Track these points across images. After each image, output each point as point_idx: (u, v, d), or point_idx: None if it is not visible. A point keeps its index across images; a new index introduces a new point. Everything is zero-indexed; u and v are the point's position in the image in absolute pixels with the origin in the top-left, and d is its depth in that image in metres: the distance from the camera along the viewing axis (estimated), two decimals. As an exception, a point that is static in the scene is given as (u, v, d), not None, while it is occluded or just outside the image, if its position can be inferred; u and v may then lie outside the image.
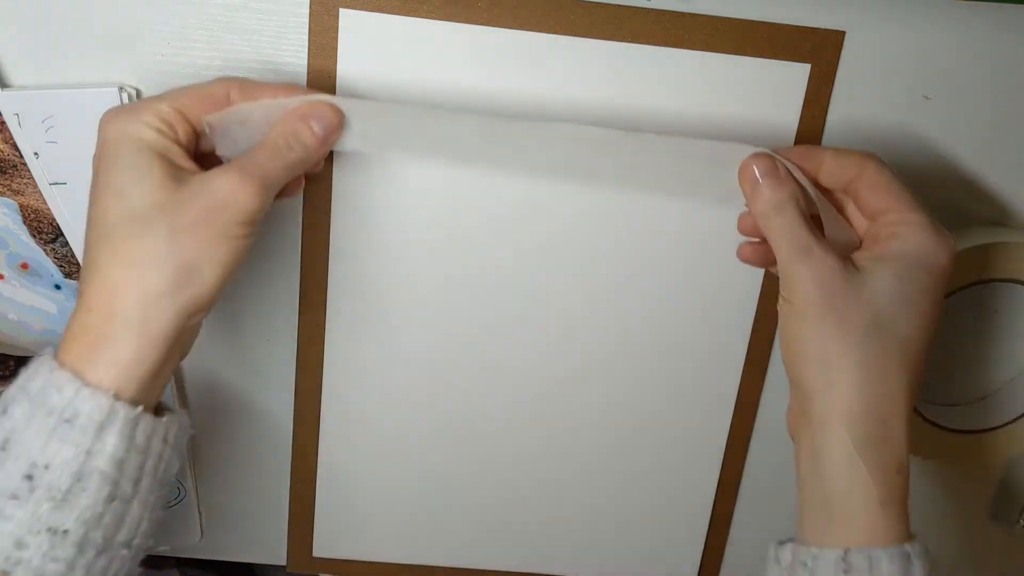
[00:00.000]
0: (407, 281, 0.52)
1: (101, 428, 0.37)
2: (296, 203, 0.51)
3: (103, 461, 0.37)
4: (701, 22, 0.47)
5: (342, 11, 0.47)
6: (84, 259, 0.40)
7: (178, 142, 0.41)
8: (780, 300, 0.43)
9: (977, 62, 0.49)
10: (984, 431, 0.57)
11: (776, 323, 0.52)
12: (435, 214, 0.51)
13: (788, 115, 0.49)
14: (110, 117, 0.41)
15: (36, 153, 0.48)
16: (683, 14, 0.47)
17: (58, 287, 0.52)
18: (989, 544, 0.62)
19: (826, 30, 0.48)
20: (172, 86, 0.47)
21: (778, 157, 0.43)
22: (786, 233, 0.41)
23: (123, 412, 0.38)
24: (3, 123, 0.48)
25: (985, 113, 0.50)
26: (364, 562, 0.60)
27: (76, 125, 0.48)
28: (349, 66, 0.48)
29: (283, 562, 0.60)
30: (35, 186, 0.49)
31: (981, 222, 0.53)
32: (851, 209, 0.45)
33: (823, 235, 0.42)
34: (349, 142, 0.44)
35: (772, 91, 0.49)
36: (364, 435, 0.56)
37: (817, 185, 0.44)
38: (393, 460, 0.57)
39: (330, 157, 0.49)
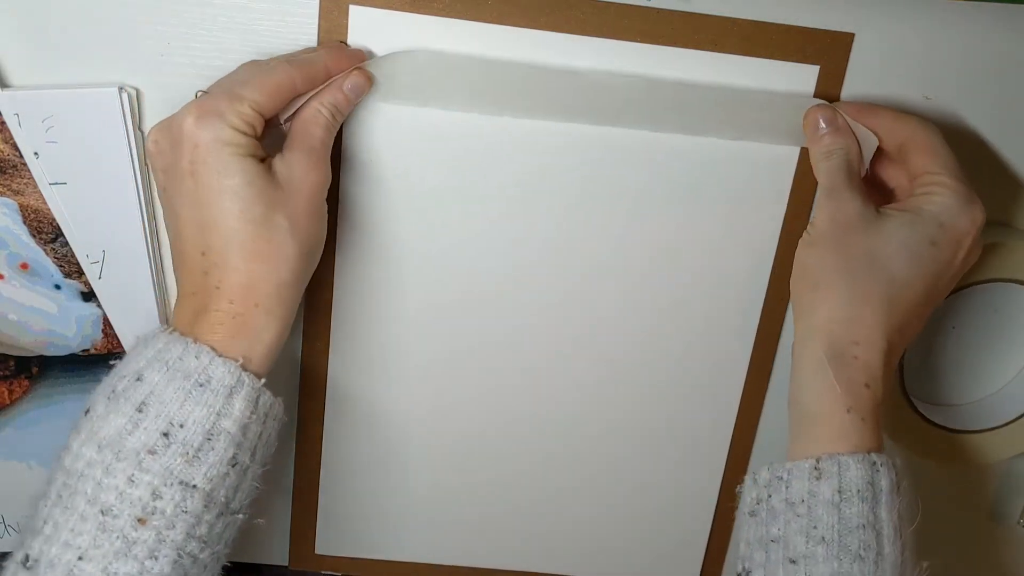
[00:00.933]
0: (413, 282, 0.52)
1: (231, 393, 0.41)
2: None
3: (230, 423, 0.41)
4: (709, 22, 0.47)
5: (352, 7, 0.47)
6: (206, 257, 0.43)
7: (258, 138, 0.44)
8: (804, 232, 0.47)
9: (977, 62, 0.49)
10: (984, 431, 0.57)
11: (778, 327, 0.54)
12: (442, 218, 0.51)
13: (796, 116, 0.49)
14: (202, 120, 0.42)
15: (36, 153, 0.48)
16: (691, 14, 0.47)
17: (58, 287, 0.52)
18: (989, 544, 0.62)
19: (835, 32, 0.48)
20: (172, 86, 0.48)
21: (839, 111, 0.47)
22: (827, 175, 0.47)
23: (249, 381, 0.42)
24: (3, 123, 0.48)
25: (985, 113, 0.50)
26: (366, 559, 0.59)
27: (76, 125, 0.48)
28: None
29: (285, 561, 0.60)
30: (35, 186, 0.49)
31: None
32: (897, 169, 0.49)
33: (860, 183, 0.46)
34: (379, 96, 0.48)
35: (784, 119, 0.49)
36: (367, 433, 0.56)
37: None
38: (396, 458, 0.57)
39: (335, 161, 0.49)
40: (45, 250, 0.51)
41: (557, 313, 0.53)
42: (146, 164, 0.49)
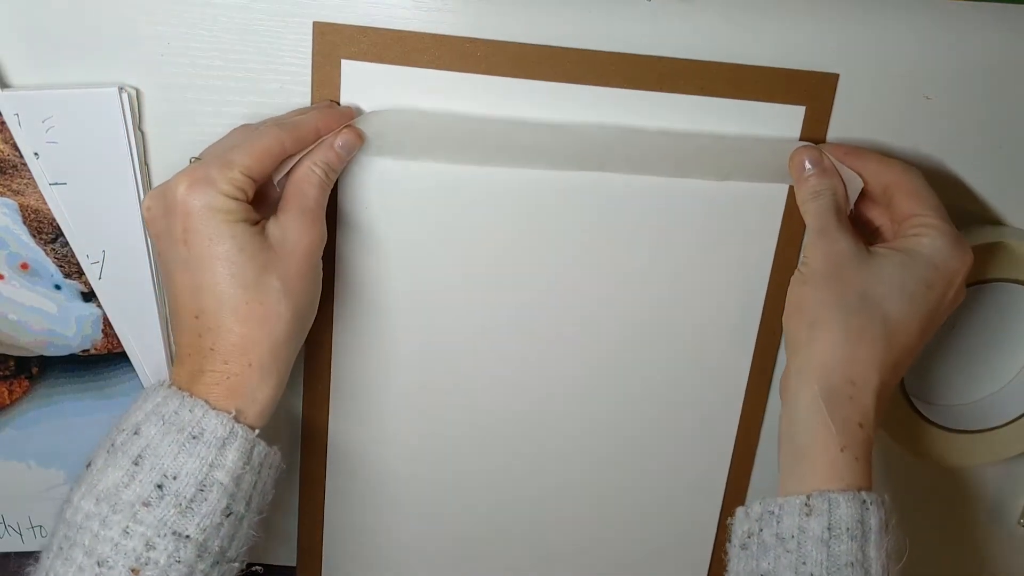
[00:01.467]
0: (411, 337, 0.53)
1: (223, 444, 0.42)
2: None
3: (223, 474, 0.42)
4: (695, 67, 0.48)
5: (344, 62, 0.47)
6: (200, 320, 0.44)
7: (249, 202, 0.44)
8: (796, 270, 0.48)
9: (977, 62, 0.49)
10: (984, 431, 0.57)
11: (772, 360, 0.54)
12: (438, 268, 0.52)
13: (783, 158, 0.49)
14: (191, 191, 0.43)
15: (36, 153, 0.48)
16: (677, 59, 0.48)
17: (58, 287, 0.52)
18: (989, 544, 0.62)
19: (820, 73, 0.48)
20: (172, 86, 0.48)
21: (824, 152, 0.48)
22: (816, 215, 0.47)
23: (242, 432, 0.43)
24: (3, 123, 0.48)
25: (984, 113, 0.50)
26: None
27: (76, 125, 0.48)
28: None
29: None
30: (35, 186, 0.49)
31: (981, 222, 0.53)
32: (880, 211, 0.50)
33: (848, 223, 0.47)
34: (371, 152, 0.48)
35: (767, 133, 0.49)
36: (369, 489, 0.57)
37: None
38: (399, 509, 0.57)
39: (331, 219, 0.49)
40: (45, 250, 0.51)
41: (554, 357, 0.54)
42: (146, 164, 0.49)
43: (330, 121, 0.46)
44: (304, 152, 0.46)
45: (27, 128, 0.48)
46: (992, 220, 0.53)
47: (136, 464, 0.42)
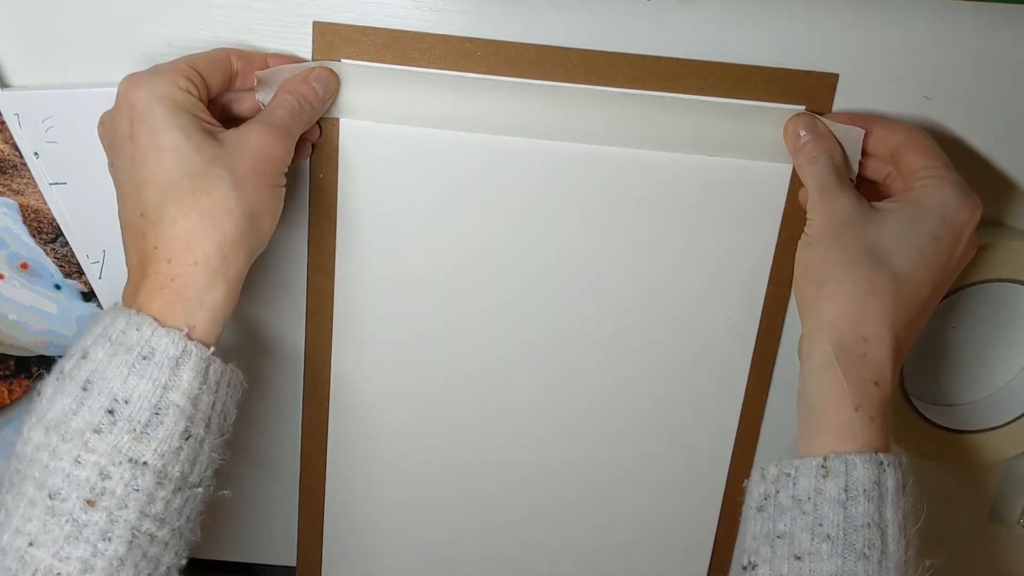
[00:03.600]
0: (416, 299, 0.53)
1: (177, 364, 0.40)
2: (302, 208, 0.51)
3: (178, 395, 0.40)
4: (695, 67, 0.48)
5: (344, 62, 0.48)
6: (144, 217, 0.41)
7: (201, 100, 0.43)
8: (802, 235, 0.47)
9: (977, 62, 0.49)
10: (984, 431, 0.57)
11: (776, 338, 0.54)
12: (441, 238, 0.51)
13: (782, 156, 0.49)
14: (136, 81, 0.42)
15: (36, 153, 0.48)
16: (677, 59, 0.48)
17: (58, 287, 0.52)
18: (989, 544, 0.62)
19: (820, 73, 0.48)
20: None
21: (817, 118, 0.48)
22: (815, 178, 0.47)
23: (196, 351, 0.40)
24: (3, 123, 0.48)
25: (985, 113, 0.50)
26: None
27: (76, 125, 0.48)
28: (350, 122, 0.49)
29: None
30: (35, 186, 0.49)
31: (981, 222, 0.53)
32: (892, 177, 0.49)
33: (850, 182, 0.47)
34: (347, 106, 0.48)
35: (767, 134, 0.49)
36: (370, 465, 0.57)
37: (863, 150, 0.48)
38: (400, 478, 0.57)
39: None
40: (45, 250, 0.51)
41: (558, 327, 0.54)
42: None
43: (283, 57, 0.47)
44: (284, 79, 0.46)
45: (27, 128, 0.48)
46: (992, 220, 0.53)
47: (85, 390, 0.39)
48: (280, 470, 0.57)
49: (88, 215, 0.50)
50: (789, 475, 0.43)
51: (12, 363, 0.54)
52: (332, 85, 0.47)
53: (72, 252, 0.51)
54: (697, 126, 0.49)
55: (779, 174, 0.50)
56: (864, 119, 0.48)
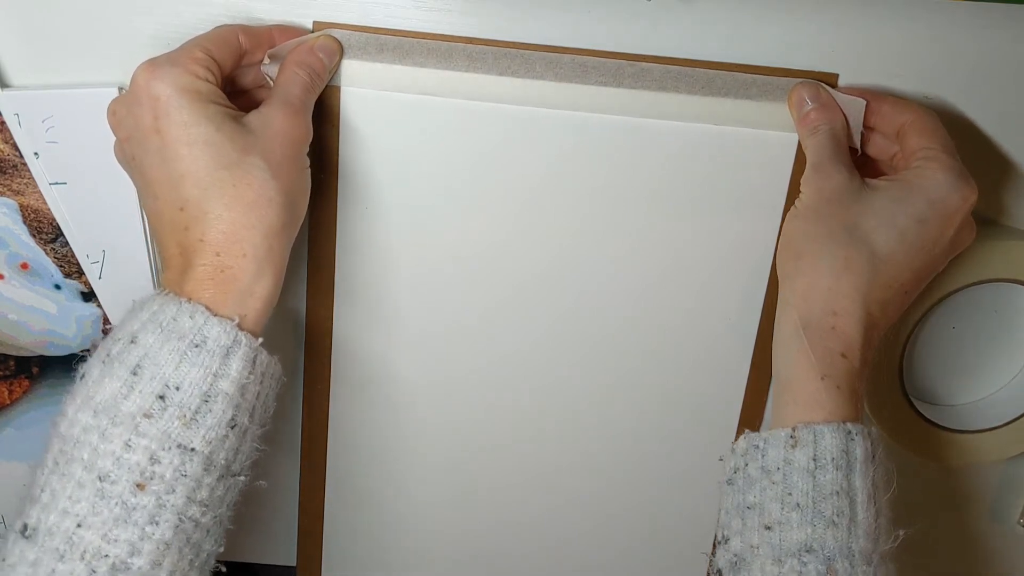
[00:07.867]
0: (416, 283, 0.52)
1: (227, 353, 0.40)
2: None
3: (228, 384, 0.40)
4: (695, 67, 0.48)
5: (344, 62, 0.47)
6: (185, 211, 0.41)
7: (219, 85, 0.43)
8: (792, 206, 0.47)
9: (977, 62, 0.49)
10: (984, 431, 0.57)
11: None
12: (445, 216, 0.51)
13: (784, 155, 0.49)
14: (156, 73, 0.42)
15: (36, 153, 0.48)
16: (678, 59, 0.48)
17: (58, 287, 0.52)
18: (989, 544, 0.62)
19: (820, 73, 0.48)
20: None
21: (822, 85, 0.48)
22: (814, 150, 0.47)
23: (246, 340, 0.41)
24: (3, 123, 0.48)
25: (985, 113, 0.50)
26: None
27: (76, 125, 0.48)
28: (351, 124, 0.49)
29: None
30: (35, 186, 0.49)
31: (980, 222, 0.53)
32: (898, 157, 0.48)
33: (847, 157, 0.46)
34: (350, 72, 0.47)
35: (767, 134, 0.49)
36: (371, 464, 0.57)
37: (870, 127, 0.48)
38: (402, 466, 0.57)
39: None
40: (45, 250, 0.51)
41: (560, 320, 0.53)
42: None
43: (288, 30, 0.47)
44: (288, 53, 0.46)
45: (27, 128, 0.48)
46: (992, 220, 0.53)
47: (135, 374, 0.39)
48: (280, 470, 0.57)
49: (88, 215, 0.50)
50: (758, 447, 0.44)
51: (12, 363, 0.54)
52: (336, 52, 0.47)
53: (72, 252, 0.51)
54: (703, 99, 0.48)
55: (784, 153, 0.50)
56: (874, 95, 0.48)
